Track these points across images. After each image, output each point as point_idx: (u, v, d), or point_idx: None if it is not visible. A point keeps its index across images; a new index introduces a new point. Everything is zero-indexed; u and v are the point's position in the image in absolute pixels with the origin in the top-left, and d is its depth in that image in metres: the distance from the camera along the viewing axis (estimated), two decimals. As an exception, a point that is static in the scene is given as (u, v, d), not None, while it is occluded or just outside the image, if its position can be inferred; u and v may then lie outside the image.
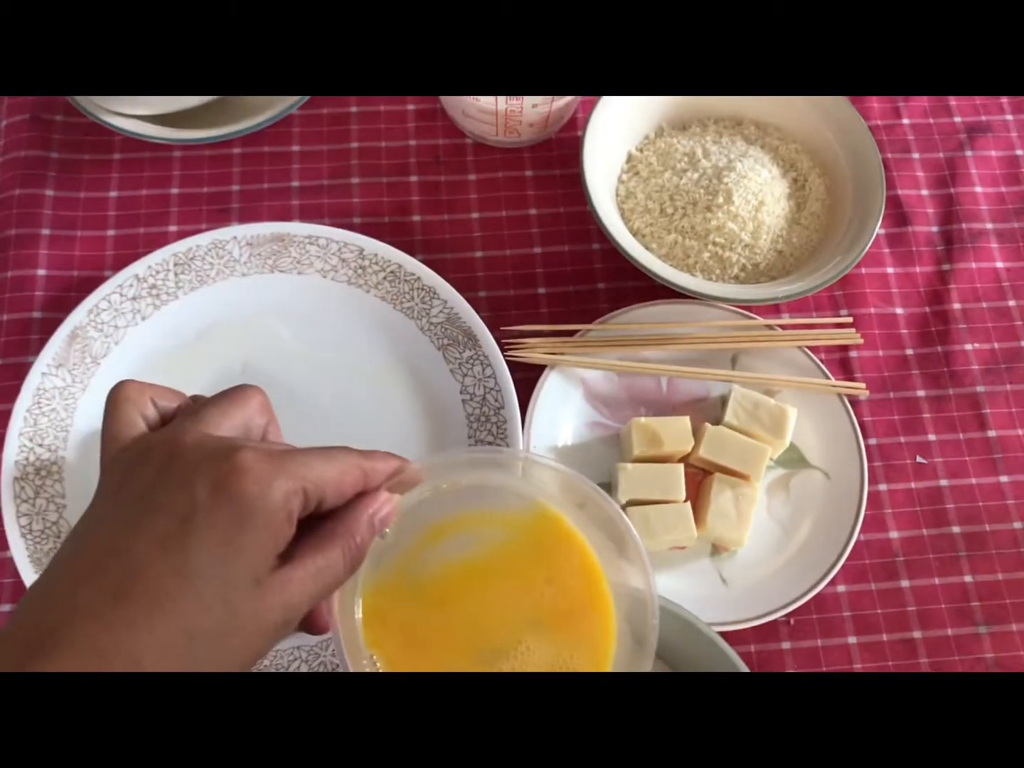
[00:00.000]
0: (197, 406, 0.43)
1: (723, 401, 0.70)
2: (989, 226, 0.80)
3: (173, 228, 0.76)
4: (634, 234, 0.74)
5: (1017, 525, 0.70)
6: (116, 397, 0.43)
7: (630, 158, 0.77)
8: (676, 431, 0.67)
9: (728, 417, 0.68)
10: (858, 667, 0.65)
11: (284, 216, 0.76)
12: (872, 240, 0.70)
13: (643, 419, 0.67)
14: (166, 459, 0.39)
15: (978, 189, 0.81)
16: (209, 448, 0.39)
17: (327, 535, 0.41)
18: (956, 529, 0.69)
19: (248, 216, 0.76)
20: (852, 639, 0.66)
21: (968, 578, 0.68)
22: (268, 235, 0.73)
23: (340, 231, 0.73)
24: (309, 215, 0.77)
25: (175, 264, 0.71)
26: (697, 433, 0.68)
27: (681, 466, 0.66)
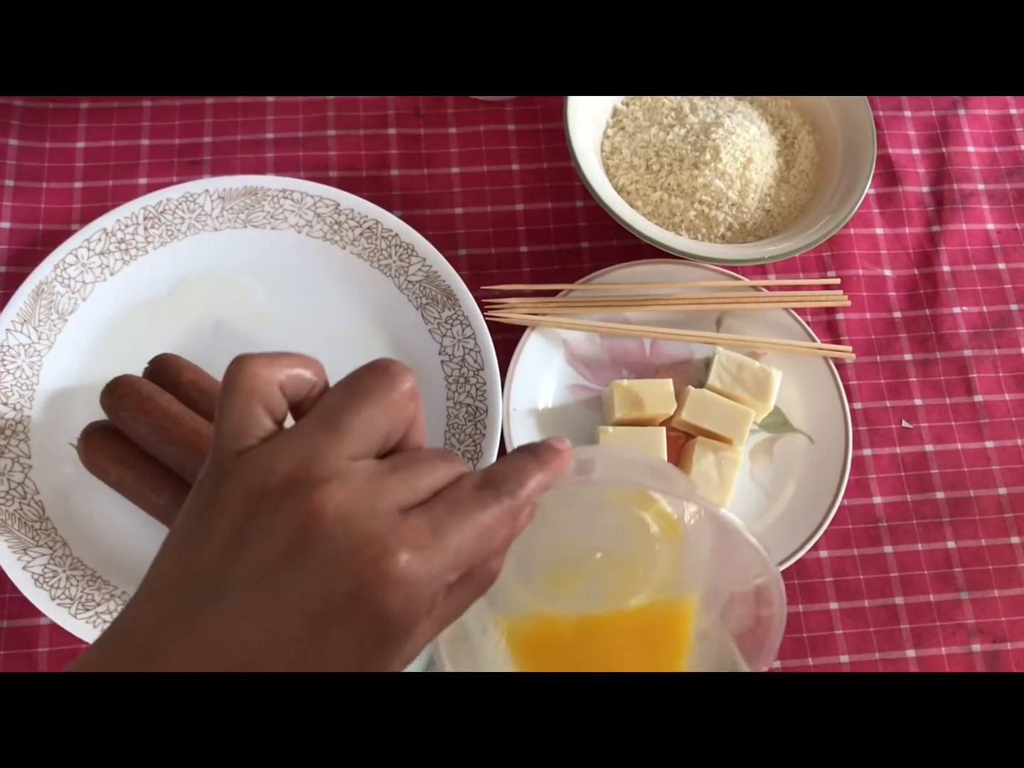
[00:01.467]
0: (335, 401, 0.35)
1: (707, 363, 0.69)
2: (981, 187, 0.78)
3: (143, 181, 0.73)
4: (619, 191, 0.72)
5: (1002, 491, 0.69)
6: (238, 384, 0.34)
7: (616, 112, 0.75)
8: (658, 394, 0.65)
9: (711, 380, 0.67)
10: (839, 632, 0.64)
11: (258, 169, 0.74)
12: (862, 200, 0.69)
13: (625, 381, 0.65)
14: (301, 535, 0.31)
15: (970, 149, 0.79)
16: (354, 537, 0.31)
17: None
18: (940, 495, 0.68)
19: (221, 169, 0.74)
20: (834, 605, 0.65)
21: (951, 544, 0.67)
22: (241, 188, 0.70)
23: (315, 185, 0.70)
24: (284, 168, 0.74)
25: (145, 218, 0.69)
26: (680, 396, 0.67)
27: (663, 429, 0.65)
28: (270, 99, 0.76)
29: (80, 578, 0.61)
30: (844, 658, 0.64)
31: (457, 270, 0.69)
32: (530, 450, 0.38)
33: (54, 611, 0.59)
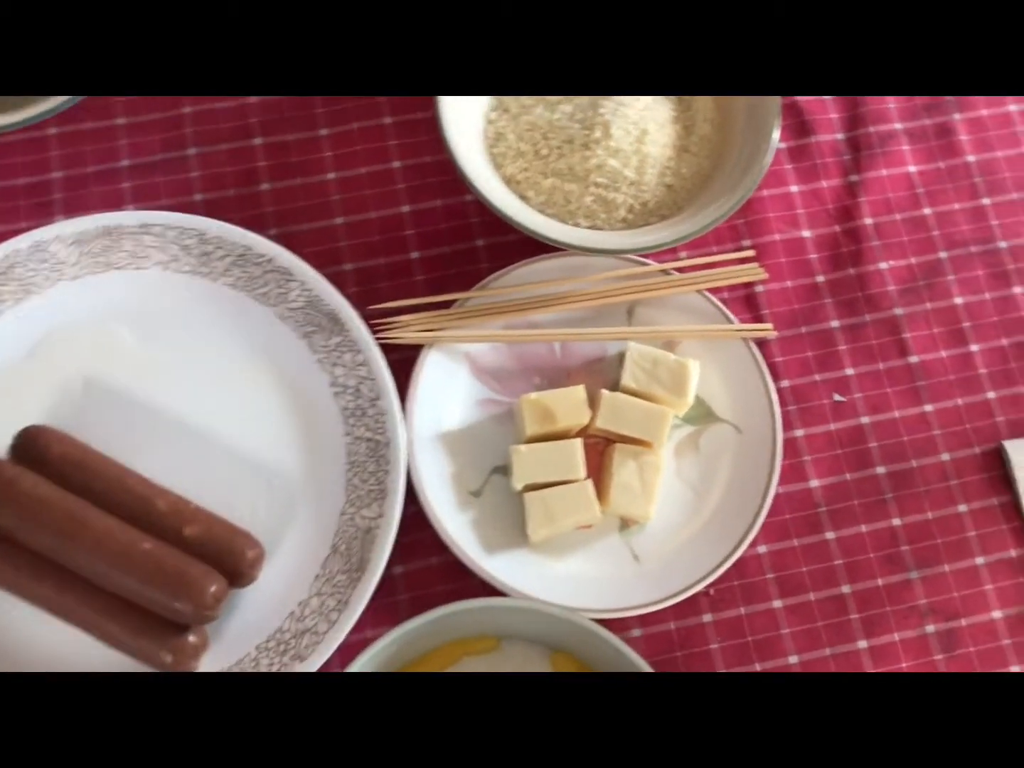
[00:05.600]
0: None
1: (622, 359, 0.64)
2: (898, 126, 0.73)
3: (-11, 230, 0.67)
4: (508, 182, 0.66)
5: (945, 456, 0.65)
6: None
7: (497, 93, 0.69)
8: (570, 404, 0.61)
9: (625, 380, 0.62)
10: (785, 632, 0.61)
11: (116, 201, 0.68)
12: (771, 157, 0.63)
13: (533, 395, 0.61)
14: None
15: (884, 85, 0.73)
16: None
17: None
18: (881, 469, 0.65)
19: (74, 206, 0.67)
20: (778, 603, 0.62)
21: (896, 521, 0.64)
22: (96, 229, 0.64)
23: (176, 215, 0.64)
24: (144, 197, 0.68)
25: (-8, 275, 0.63)
26: (594, 400, 0.62)
27: (578, 442, 0.61)
28: (121, 121, 0.69)
29: (-34, 684, 0.56)
30: (793, 658, 0.60)
31: (344, 287, 0.64)
32: None
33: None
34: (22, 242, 0.63)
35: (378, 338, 0.63)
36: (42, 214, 0.67)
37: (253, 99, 0.70)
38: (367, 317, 0.63)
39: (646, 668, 0.49)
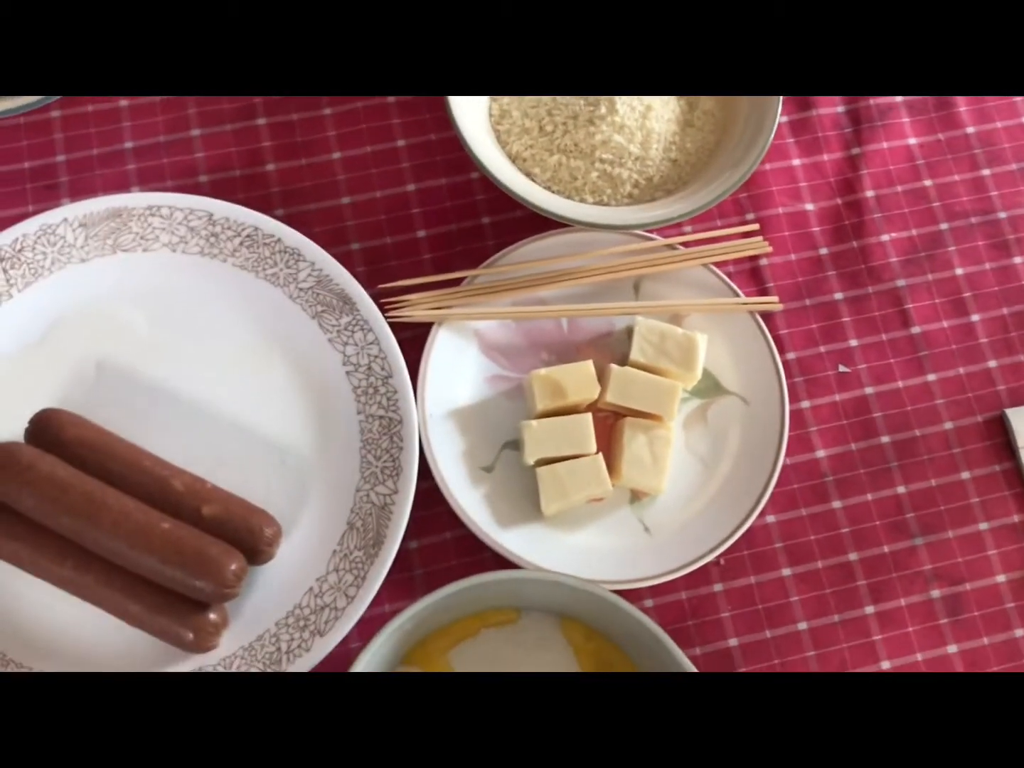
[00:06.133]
0: None
1: (629, 333, 0.65)
2: (898, 99, 0.73)
3: (-5, 214, 0.67)
4: (513, 159, 0.67)
5: (948, 425, 0.66)
6: None
7: (501, 70, 0.69)
8: (579, 378, 0.61)
9: (634, 354, 0.63)
10: (795, 599, 0.62)
11: (121, 183, 0.68)
12: (774, 131, 0.64)
13: (543, 371, 0.61)
14: None
15: (884, 58, 0.74)
16: None
17: None
18: (885, 439, 0.66)
19: (80, 188, 0.67)
20: (787, 571, 0.63)
21: (901, 489, 0.65)
22: (103, 211, 0.64)
23: (183, 197, 0.65)
24: (149, 179, 0.68)
25: (1, 260, 0.63)
26: (603, 375, 0.63)
27: (589, 416, 0.61)
28: (123, 103, 0.69)
29: (-11, 665, 0.57)
30: (802, 625, 0.62)
31: (351, 267, 0.64)
32: None
33: (-35, 705, 0.55)
34: (30, 226, 0.63)
35: (388, 317, 0.63)
36: (48, 197, 0.67)
37: (256, 79, 0.70)
38: (376, 296, 0.64)
39: (664, 636, 0.50)
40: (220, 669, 0.57)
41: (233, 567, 0.55)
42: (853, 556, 0.63)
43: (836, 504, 0.64)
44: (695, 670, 0.49)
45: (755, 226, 0.69)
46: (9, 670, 0.57)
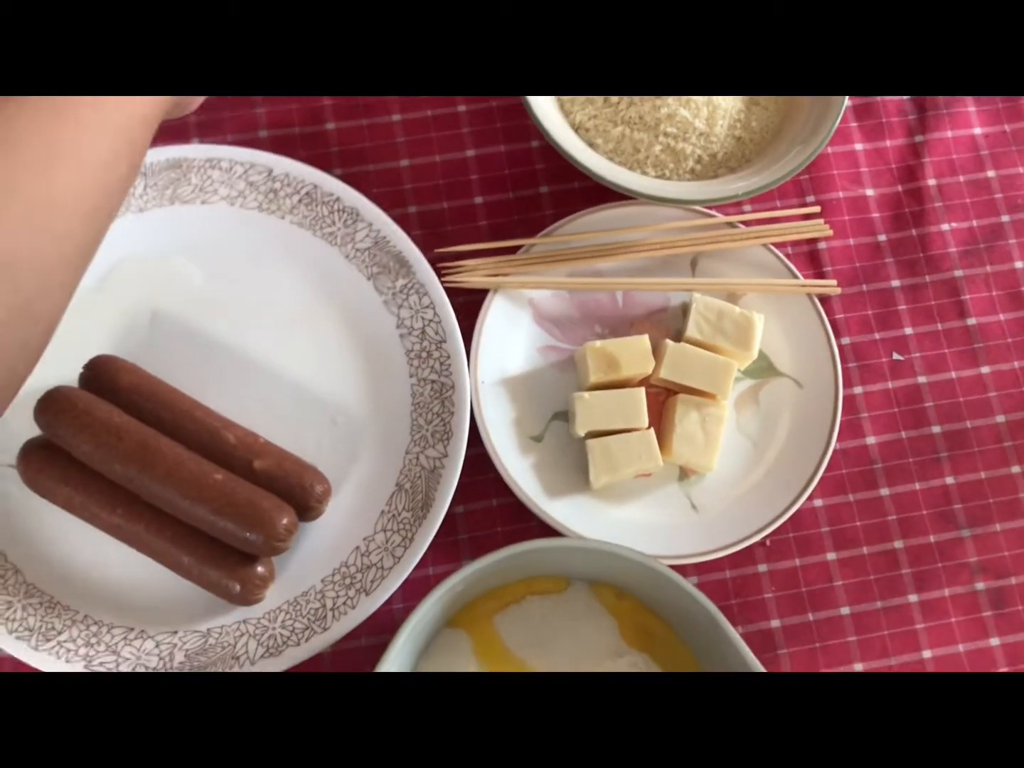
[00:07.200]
0: None
1: (684, 310, 0.65)
2: (965, 87, 0.72)
3: (56, 159, 0.67)
4: (576, 129, 0.66)
5: (1000, 419, 0.66)
6: None
7: (566, 39, 0.68)
8: (634, 352, 0.61)
9: (690, 331, 0.62)
10: (838, 584, 0.62)
11: (181, 135, 0.67)
12: (841, 115, 0.63)
13: (598, 343, 0.61)
14: None
15: (952, 45, 0.73)
16: None
17: None
18: (936, 429, 0.65)
19: (140, 139, 0.67)
20: (831, 555, 0.62)
21: (950, 480, 0.64)
22: (163, 162, 0.64)
23: (243, 150, 0.64)
24: (209, 132, 0.68)
25: (60, 204, 0.63)
26: (657, 351, 0.62)
27: (642, 391, 0.61)
28: (186, 54, 0.69)
29: (38, 606, 0.57)
30: (845, 610, 0.61)
31: (408, 230, 0.64)
32: None
33: (12, 645, 0.56)
34: (90, 173, 0.63)
35: (444, 281, 0.63)
36: (108, 145, 0.66)
37: (319, 37, 0.70)
38: (433, 260, 0.63)
39: (714, 609, 0.50)
40: (264, 623, 0.57)
41: (284, 521, 0.55)
42: (899, 544, 0.63)
43: (884, 491, 0.64)
44: (745, 647, 0.49)
45: (816, 208, 0.68)
46: (57, 615, 0.57)
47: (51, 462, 0.56)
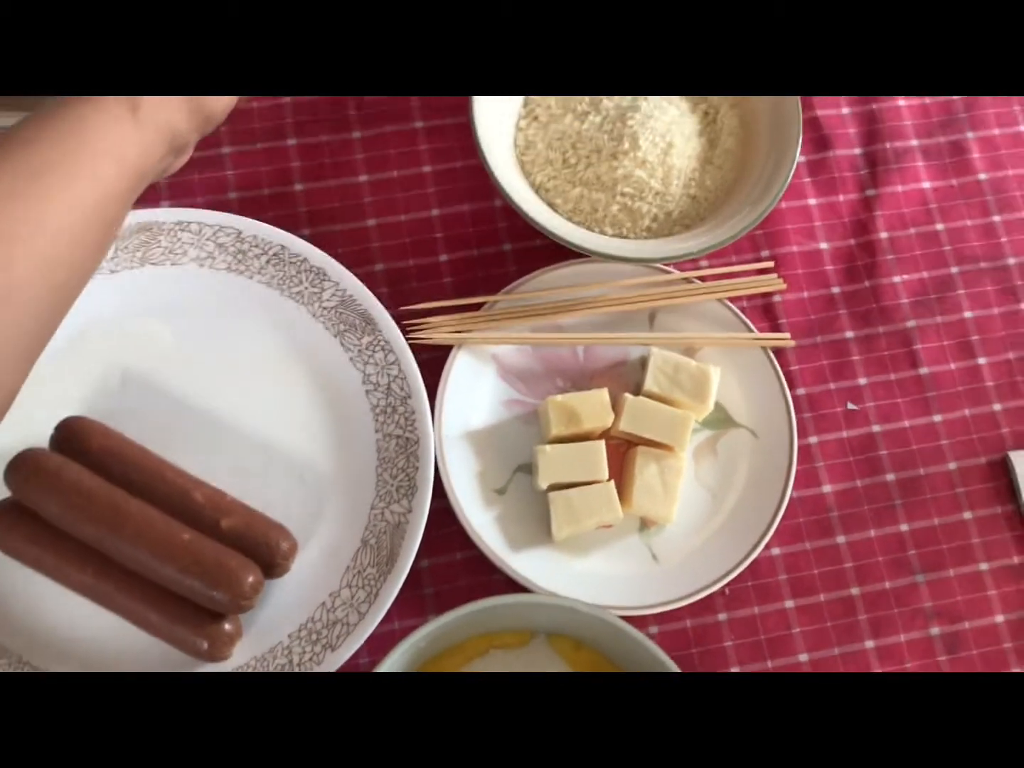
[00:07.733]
0: None
1: (643, 363, 0.66)
2: (914, 143, 0.75)
3: (29, 221, 0.68)
4: (536, 189, 0.68)
5: (952, 466, 0.67)
6: None
7: (527, 101, 0.70)
8: (594, 406, 0.63)
9: (648, 384, 0.64)
10: (796, 631, 0.63)
11: (151, 198, 0.69)
12: (792, 171, 0.65)
13: (559, 397, 0.63)
14: None
15: (901, 103, 0.75)
16: None
17: None
18: (891, 476, 0.67)
19: (111, 201, 0.69)
20: (789, 603, 0.64)
21: (904, 527, 0.66)
22: (133, 225, 0.66)
23: (212, 213, 0.66)
24: (179, 195, 0.69)
25: (32, 268, 0.64)
26: (617, 404, 0.64)
27: (602, 443, 0.63)
28: (157, 118, 0.71)
29: (5, 666, 0.58)
30: (803, 656, 0.63)
31: (375, 287, 0.66)
32: None
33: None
34: (62, 236, 0.65)
35: (409, 338, 0.64)
36: (80, 209, 0.68)
37: (287, 99, 0.72)
38: (398, 317, 0.65)
39: (671, 664, 0.51)
40: (232, 679, 0.58)
41: (250, 579, 0.56)
42: (855, 591, 0.64)
43: (840, 539, 0.65)
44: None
45: (770, 263, 0.70)
46: (24, 670, 0.58)
47: (20, 522, 0.57)
